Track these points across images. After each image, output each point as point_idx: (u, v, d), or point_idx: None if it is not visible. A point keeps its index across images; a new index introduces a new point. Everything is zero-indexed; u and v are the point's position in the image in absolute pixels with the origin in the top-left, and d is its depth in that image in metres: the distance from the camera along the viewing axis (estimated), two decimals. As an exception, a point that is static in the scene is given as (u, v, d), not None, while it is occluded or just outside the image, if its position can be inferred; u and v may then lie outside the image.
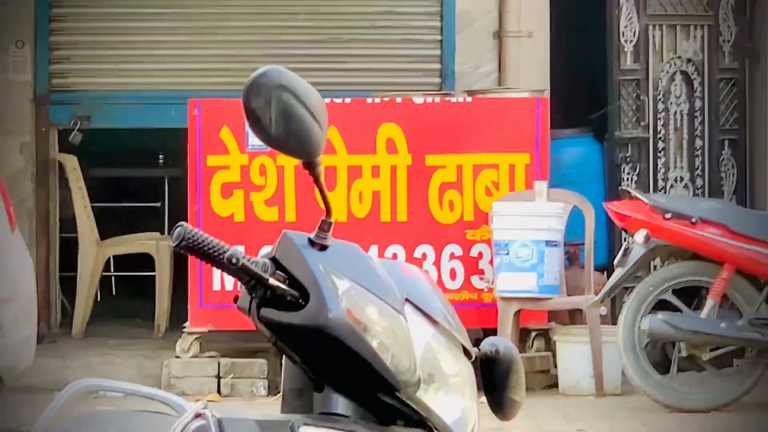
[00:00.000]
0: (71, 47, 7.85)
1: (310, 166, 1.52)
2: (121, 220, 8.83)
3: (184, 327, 6.66)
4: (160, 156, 9.67)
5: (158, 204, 9.37)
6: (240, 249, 1.55)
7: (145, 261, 8.23)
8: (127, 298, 8.98)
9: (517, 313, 6.50)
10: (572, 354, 6.62)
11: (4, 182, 5.94)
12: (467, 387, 1.59)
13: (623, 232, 6.75)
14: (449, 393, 1.56)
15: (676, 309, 6.07)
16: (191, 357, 6.54)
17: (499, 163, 6.78)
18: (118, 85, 7.98)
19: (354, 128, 6.64)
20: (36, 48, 7.63)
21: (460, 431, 1.57)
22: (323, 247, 1.53)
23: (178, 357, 6.53)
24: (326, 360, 1.52)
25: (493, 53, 7.85)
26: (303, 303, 1.48)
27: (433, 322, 1.58)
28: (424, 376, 1.52)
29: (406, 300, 1.55)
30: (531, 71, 7.81)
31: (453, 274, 6.76)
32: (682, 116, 7.93)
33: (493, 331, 6.31)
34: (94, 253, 7.90)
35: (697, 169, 8.04)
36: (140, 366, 6.69)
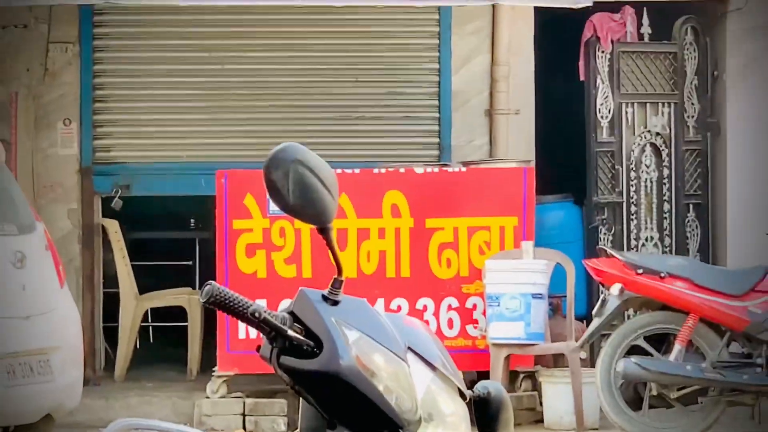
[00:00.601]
0: (112, 124, 7.88)
1: (323, 231, 1.52)
2: (158, 276, 8.70)
3: (214, 371, 6.67)
4: (192, 220, 9.67)
5: (190, 262, 9.30)
6: (262, 303, 1.64)
7: (179, 313, 8.12)
8: (163, 345, 8.88)
9: (507, 357, 6.51)
10: (556, 393, 6.61)
11: (54, 244, 5.95)
12: (462, 425, 1.58)
13: (600, 286, 6.69)
14: (447, 430, 1.56)
15: (647, 353, 6.08)
16: (220, 397, 6.54)
17: (491, 226, 6.76)
18: (155, 158, 7.95)
19: (362, 195, 6.66)
20: (81, 125, 7.63)
21: None
22: (335, 302, 1.51)
23: (208, 397, 6.54)
24: (338, 401, 1.50)
25: (485, 128, 7.81)
26: (318, 351, 1.47)
27: (432, 367, 1.57)
28: (425, 416, 1.52)
29: (408, 348, 1.55)
30: (518, 144, 7.77)
31: (450, 324, 6.72)
32: (652, 183, 7.88)
33: (486, 374, 6.33)
34: (133, 306, 7.80)
35: (665, 229, 7.93)
36: (174, 405, 6.72)
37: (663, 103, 7.79)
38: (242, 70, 7.81)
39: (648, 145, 7.81)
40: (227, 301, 1.49)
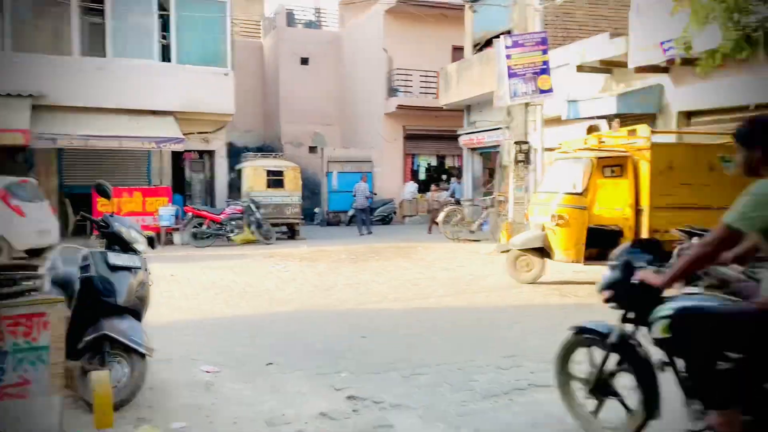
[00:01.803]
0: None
1: (107, 198, 5.62)
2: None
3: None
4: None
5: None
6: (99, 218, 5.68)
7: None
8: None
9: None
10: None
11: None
12: (145, 242, 5.63)
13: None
14: (145, 246, 5.67)
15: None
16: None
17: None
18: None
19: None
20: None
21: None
22: (111, 216, 5.51)
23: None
24: (114, 240, 5.54)
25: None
26: (106, 227, 5.42)
27: (139, 232, 5.60)
28: (141, 242, 5.56)
29: (129, 226, 5.62)
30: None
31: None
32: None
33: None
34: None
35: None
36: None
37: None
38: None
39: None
40: (95, 222, 5.57)
